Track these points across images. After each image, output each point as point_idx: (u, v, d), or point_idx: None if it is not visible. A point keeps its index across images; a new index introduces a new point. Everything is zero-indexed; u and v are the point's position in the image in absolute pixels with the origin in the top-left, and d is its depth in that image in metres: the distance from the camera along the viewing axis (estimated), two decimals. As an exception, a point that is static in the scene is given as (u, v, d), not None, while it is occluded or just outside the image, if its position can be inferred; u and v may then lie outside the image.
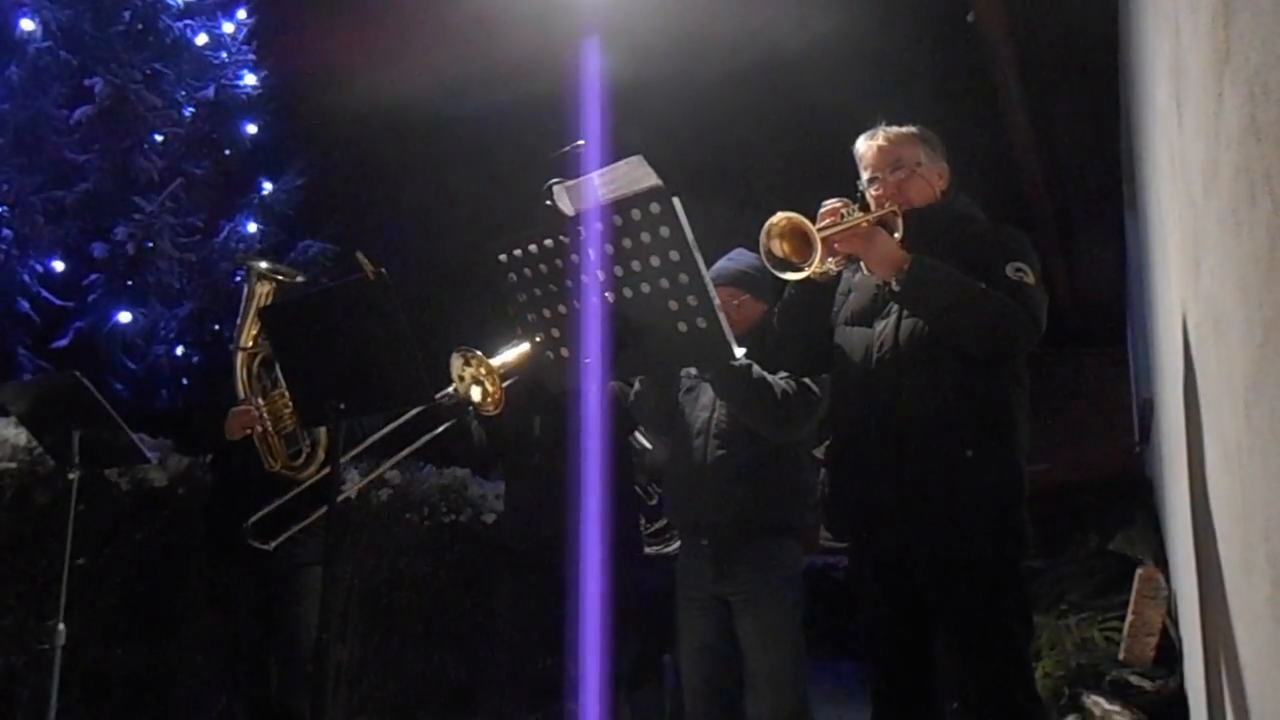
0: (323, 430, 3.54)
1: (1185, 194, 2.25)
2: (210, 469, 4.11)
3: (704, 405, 3.03)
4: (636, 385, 3.21)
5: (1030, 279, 2.31)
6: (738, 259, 3.08)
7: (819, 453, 2.71)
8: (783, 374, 2.83)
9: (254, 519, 3.37)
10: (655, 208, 1.84)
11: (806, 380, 2.81)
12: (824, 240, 2.27)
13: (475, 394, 3.10)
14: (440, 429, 3.46)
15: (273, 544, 3.36)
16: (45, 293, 7.34)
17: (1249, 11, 1.26)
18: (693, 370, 3.04)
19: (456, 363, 3.08)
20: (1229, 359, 1.66)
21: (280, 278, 3.69)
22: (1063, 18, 5.00)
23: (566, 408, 3.27)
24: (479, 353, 3.09)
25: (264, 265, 3.73)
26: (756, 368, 2.81)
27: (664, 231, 1.84)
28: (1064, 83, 5.53)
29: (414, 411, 3.41)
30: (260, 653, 3.69)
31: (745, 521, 2.90)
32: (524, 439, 3.50)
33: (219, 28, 8.46)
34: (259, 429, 3.51)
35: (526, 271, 2.07)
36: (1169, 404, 3.52)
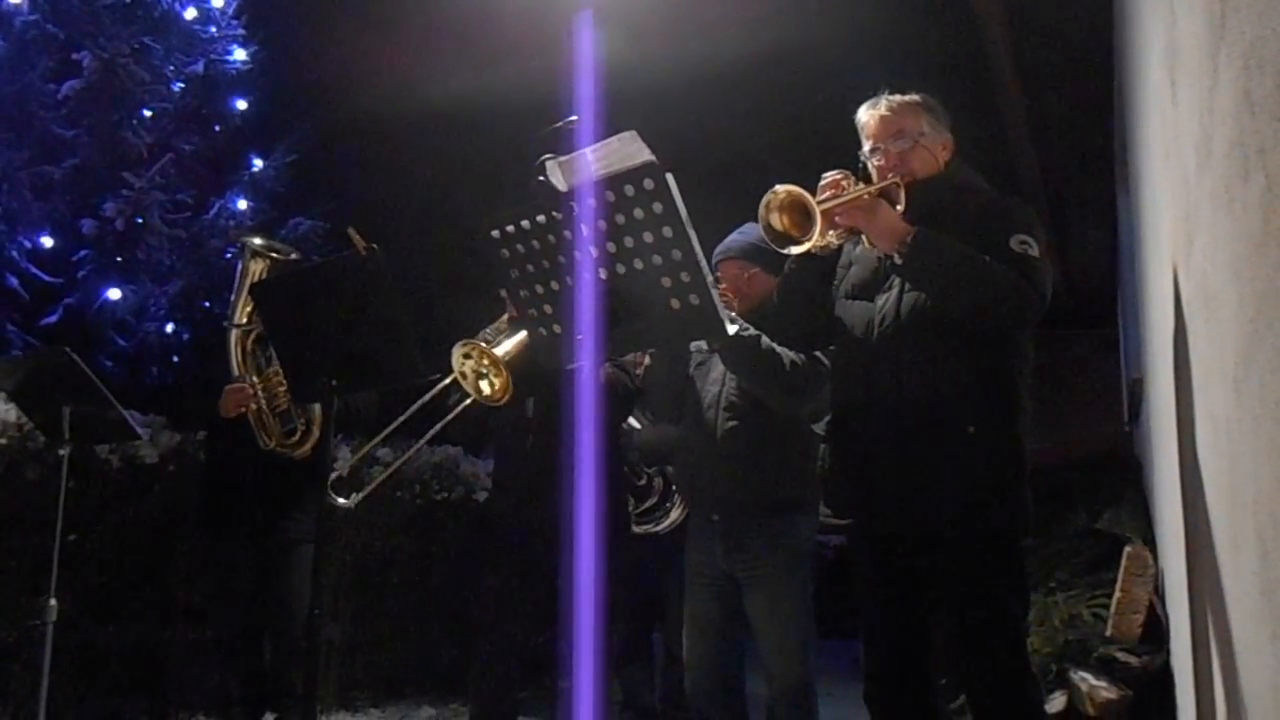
0: (317, 408, 3.53)
1: (1178, 171, 2.25)
2: (203, 447, 4.11)
3: (714, 379, 3.02)
4: (647, 360, 3.20)
5: (1034, 251, 2.27)
6: (749, 232, 3.06)
7: (819, 428, 2.70)
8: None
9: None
10: (648, 183, 1.82)
11: (816, 352, 2.80)
12: (825, 213, 2.25)
13: (485, 388, 3.08)
14: (456, 410, 3.44)
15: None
16: (34, 269, 7.30)
17: (1245, -14, 1.25)
18: (704, 344, 3.02)
19: (458, 356, 3.05)
20: (1220, 335, 1.67)
21: (275, 255, 3.67)
22: (1057, -4, 4.98)
23: (561, 390, 3.27)
24: (481, 344, 3.07)
25: (258, 242, 3.71)
26: (765, 339, 2.78)
27: (657, 207, 1.83)
28: (1057, 60, 5.51)
29: (430, 394, 3.41)
30: (254, 629, 3.70)
31: (756, 496, 2.89)
32: (518, 421, 3.50)
33: (208, 2, 8.37)
34: (254, 407, 3.51)
35: (519, 247, 2.05)
36: (1159, 382, 3.54)
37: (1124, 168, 5.18)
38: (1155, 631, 3.99)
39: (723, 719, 2.95)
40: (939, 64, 6.17)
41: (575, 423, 2.99)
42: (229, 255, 8.15)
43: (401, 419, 3.38)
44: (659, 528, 3.90)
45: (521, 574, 3.44)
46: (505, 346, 3.10)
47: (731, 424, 2.94)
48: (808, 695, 2.89)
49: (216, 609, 4.09)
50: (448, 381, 3.25)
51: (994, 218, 2.35)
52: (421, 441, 3.65)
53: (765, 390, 2.84)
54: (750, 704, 3.05)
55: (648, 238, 1.86)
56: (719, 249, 3.09)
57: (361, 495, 3.61)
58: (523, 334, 3.11)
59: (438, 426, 3.41)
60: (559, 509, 3.17)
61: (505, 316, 3.60)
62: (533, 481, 3.38)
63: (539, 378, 3.34)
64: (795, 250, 2.26)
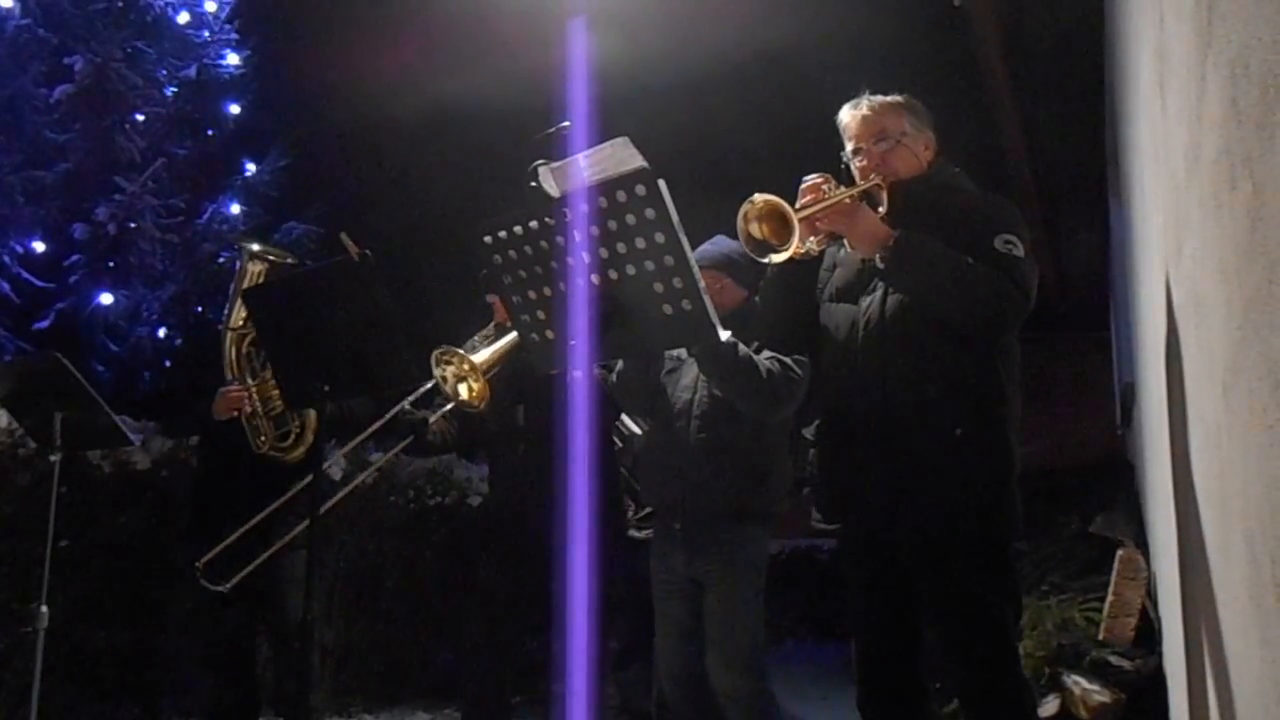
0: (311, 412, 3.53)
1: (1168, 177, 2.26)
2: (196, 451, 4.10)
3: (685, 386, 3.02)
4: (619, 366, 3.20)
5: (1019, 251, 2.26)
6: (720, 243, 3.08)
7: (808, 433, 2.70)
8: (767, 353, 2.82)
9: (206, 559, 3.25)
10: (640, 189, 1.83)
11: (788, 360, 2.80)
12: (806, 218, 2.25)
13: (463, 391, 3.09)
14: (439, 414, 3.45)
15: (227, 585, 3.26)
16: (26, 274, 7.29)
17: (1232, -6, 1.26)
18: (675, 351, 3.03)
19: (436, 362, 3.06)
20: (1209, 341, 1.68)
21: (272, 258, 3.67)
22: (1049, 2, 5.00)
23: (550, 398, 3.28)
24: (459, 351, 3.08)
25: (256, 246, 3.71)
26: (742, 346, 2.79)
27: (649, 213, 1.83)
28: (1050, 67, 5.53)
29: (410, 399, 3.43)
30: (246, 635, 3.70)
31: (720, 504, 2.91)
32: (508, 430, 3.50)
33: (201, 6, 8.37)
34: (248, 410, 3.50)
35: (512, 253, 2.05)
36: (1151, 387, 3.55)
37: (1115, 172, 5.21)
38: (1148, 635, 4.00)
39: None
40: (932, 68, 6.19)
41: (566, 427, 3.01)
42: (221, 260, 8.15)
43: (378, 424, 3.41)
44: None
45: (514, 579, 3.44)
46: (484, 354, 3.10)
47: (702, 434, 2.94)
48: (759, 699, 2.90)
49: (209, 614, 4.07)
50: (428, 386, 3.27)
51: (978, 217, 2.34)
52: (397, 448, 3.66)
53: (741, 398, 2.84)
54: None
55: (640, 243, 1.86)
56: None
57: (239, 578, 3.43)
58: (504, 341, 3.13)
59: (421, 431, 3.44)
60: (552, 515, 3.19)
61: (492, 324, 3.61)
62: (526, 488, 3.39)
63: (528, 385, 3.34)
64: (776, 258, 2.25)
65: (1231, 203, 1.33)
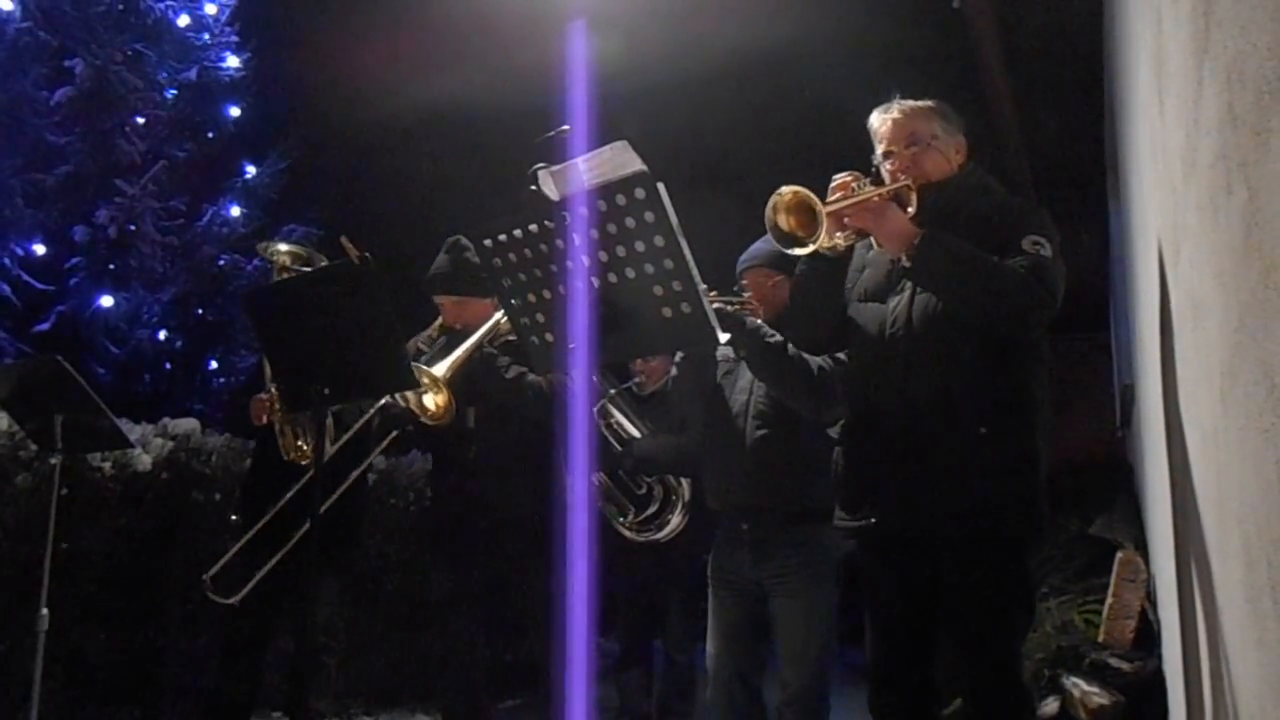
0: (330, 419, 3.53)
1: (1166, 181, 2.26)
2: (253, 453, 4.13)
3: (742, 387, 3.01)
4: (673, 371, 3.20)
5: (1047, 251, 2.27)
6: (773, 240, 3.08)
7: (833, 431, 2.69)
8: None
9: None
10: (639, 193, 1.83)
11: (842, 356, 2.77)
12: (834, 214, 2.26)
13: (429, 403, 3.10)
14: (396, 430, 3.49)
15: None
16: (26, 276, 7.28)
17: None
18: (731, 351, 3.02)
19: None
20: (1206, 345, 1.68)
21: (304, 267, 3.66)
22: (1048, 5, 5.01)
23: (501, 400, 3.29)
24: (421, 365, 3.09)
25: (284, 249, 3.71)
26: (792, 345, 2.78)
27: (648, 217, 1.84)
28: (1049, 70, 5.54)
29: (372, 411, 3.46)
30: (261, 635, 3.72)
31: (786, 503, 2.88)
32: (458, 431, 3.48)
33: (201, 9, 8.37)
34: (276, 415, 3.52)
35: (511, 256, 2.06)
36: (1149, 389, 3.56)
37: (1114, 175, 5.21)
38: (1147, 637, 4.00)
39: None
40: (931, 69, 6.19)
41: (515, 429, 3.03)
42: (222, 262, 8.15)
43: (345, 438, 3.43)
44: (658, 536, 3.88)
45: (480, 582, 3.44)
46: (445, 364, 3.10)
47: (761, 432, 2.93)
48: (818, 703, 2.89)
49: (229, 610, 4.06)
50: (382, 403, 3.30)
51: (1007, 218, 2.36)
52: (370, 458, 3.69)
53: (793, 396, 2.83)
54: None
55: (639, 246, 1.87)
56: (744, 257, 3.10)
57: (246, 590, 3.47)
58: (463, 349, 3.13)
59: (385, 443, 3.48)
60: (508, 516, 3.20)
61: (437, 323, 3.60)
62: (480, 491, 3.38)
63: (477, 388, 3.34)
64: (801, 251, 2.28)
65: (1228, 207, 1.34)
